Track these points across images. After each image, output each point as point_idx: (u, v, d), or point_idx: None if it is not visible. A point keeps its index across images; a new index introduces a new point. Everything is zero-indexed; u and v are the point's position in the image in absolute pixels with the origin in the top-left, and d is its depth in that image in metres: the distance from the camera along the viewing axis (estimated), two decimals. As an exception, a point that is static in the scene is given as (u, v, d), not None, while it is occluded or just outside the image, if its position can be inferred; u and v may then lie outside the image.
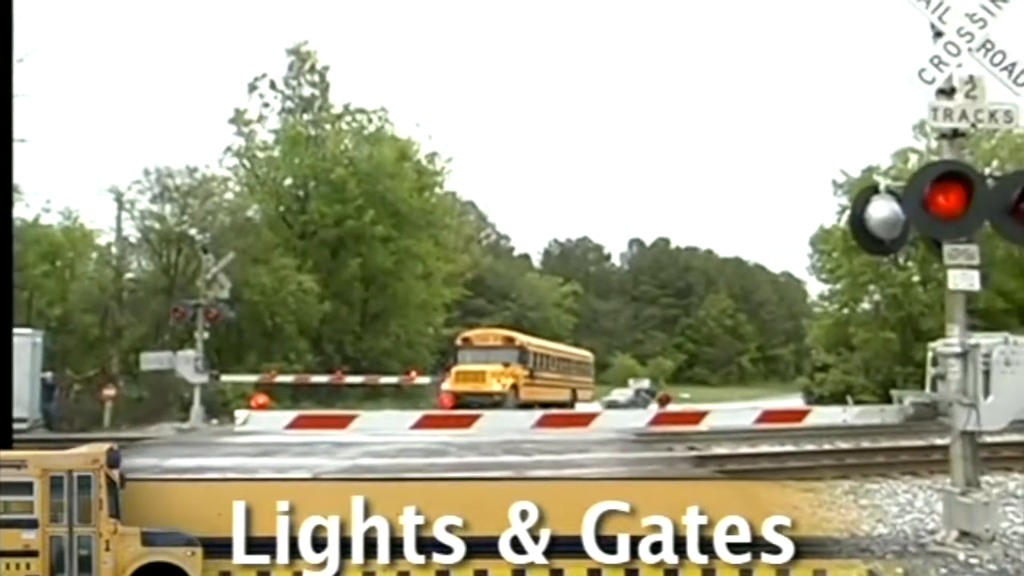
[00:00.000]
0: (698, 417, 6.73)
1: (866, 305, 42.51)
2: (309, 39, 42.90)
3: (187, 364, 20.12)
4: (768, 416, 6.80)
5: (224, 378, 20.93)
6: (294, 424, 7.01)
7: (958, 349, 6.23)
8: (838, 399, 37.29)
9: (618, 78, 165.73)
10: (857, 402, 32.67)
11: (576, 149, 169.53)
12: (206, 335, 20.69)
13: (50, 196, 31.32)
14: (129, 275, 32.64)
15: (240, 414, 7.05)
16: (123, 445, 14.53)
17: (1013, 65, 6.39)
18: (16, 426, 17.87)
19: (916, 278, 38.29)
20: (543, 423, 6.95)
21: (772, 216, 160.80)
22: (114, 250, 32.54)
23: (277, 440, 14.94)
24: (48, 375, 21.72)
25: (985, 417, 6.08)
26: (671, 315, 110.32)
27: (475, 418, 6.87)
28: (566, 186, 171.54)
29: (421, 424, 7.04)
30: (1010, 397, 6.08)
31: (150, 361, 20.53)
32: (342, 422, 7.03)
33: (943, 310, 6.59)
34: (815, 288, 52.65)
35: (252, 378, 21.93)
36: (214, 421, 22.08)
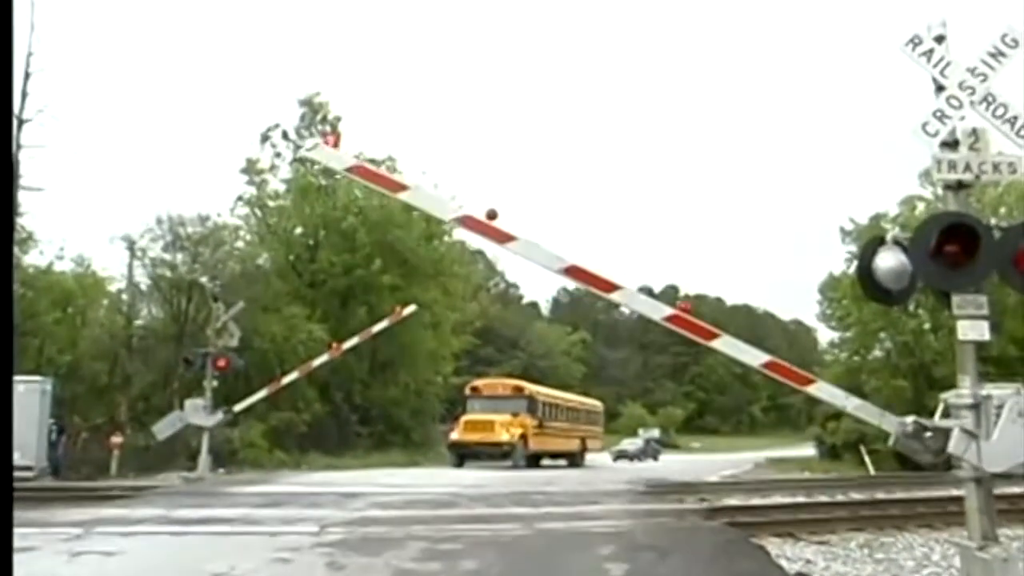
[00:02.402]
0: (711, 335, 6.73)
1: (877, 352, 42.22)
2: (321, 90, 43.62)
3: (196, 411, 20.07)
4: (773, 366, 6.81)
5: (236, 407, 20.88)
6: (353, 169, 7.11)
7: (970, 400, 6.17)
8: (850, 447, 36.86)
9: (627, 126, 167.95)
10: (870, 452, 32.41)
11: (584, 196, 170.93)
12: (215, 383, 20.68)
13: (64, 243, 31.70)
14: (139, 322, 32.79)
15: (310, 142, 6.81)
16: (130, 494, 14.47)
17: (1015, 118, 6.47)
18: (22, 475, 17.91)
19: (927, 325, 38.07)
20: (571, 273, 6.76)
21: (781, 263, 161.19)
22: (125, 297, 32.79)
23: (284, 490, 14.87)
24: (53, 422, 21.68)
25: (986, 454, 5.99)
26: (681, 363, 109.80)
27: (513, 237, 6.63)
28: (574, 234, 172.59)
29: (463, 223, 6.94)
30: (1016, 442, 5.99)
31: (163, 429, 20.41)
32: (396, 187, 7.26)
33: (955, 358, 6.55)
34: (825, 336, 52.42)
35: (262, 393, 21.89)
36: (221, 470, 21.95)
